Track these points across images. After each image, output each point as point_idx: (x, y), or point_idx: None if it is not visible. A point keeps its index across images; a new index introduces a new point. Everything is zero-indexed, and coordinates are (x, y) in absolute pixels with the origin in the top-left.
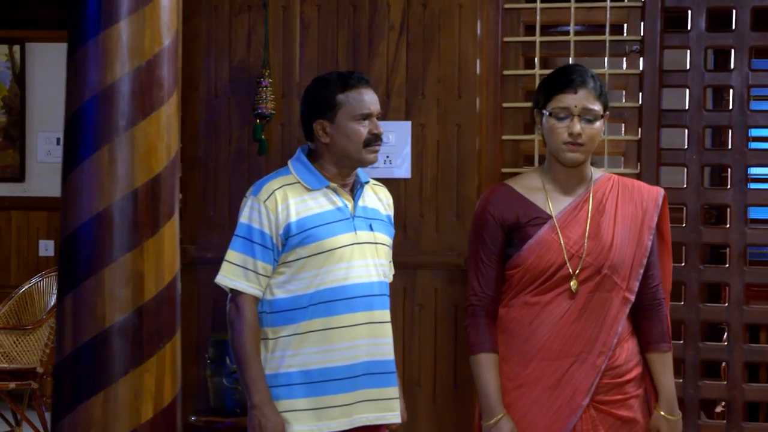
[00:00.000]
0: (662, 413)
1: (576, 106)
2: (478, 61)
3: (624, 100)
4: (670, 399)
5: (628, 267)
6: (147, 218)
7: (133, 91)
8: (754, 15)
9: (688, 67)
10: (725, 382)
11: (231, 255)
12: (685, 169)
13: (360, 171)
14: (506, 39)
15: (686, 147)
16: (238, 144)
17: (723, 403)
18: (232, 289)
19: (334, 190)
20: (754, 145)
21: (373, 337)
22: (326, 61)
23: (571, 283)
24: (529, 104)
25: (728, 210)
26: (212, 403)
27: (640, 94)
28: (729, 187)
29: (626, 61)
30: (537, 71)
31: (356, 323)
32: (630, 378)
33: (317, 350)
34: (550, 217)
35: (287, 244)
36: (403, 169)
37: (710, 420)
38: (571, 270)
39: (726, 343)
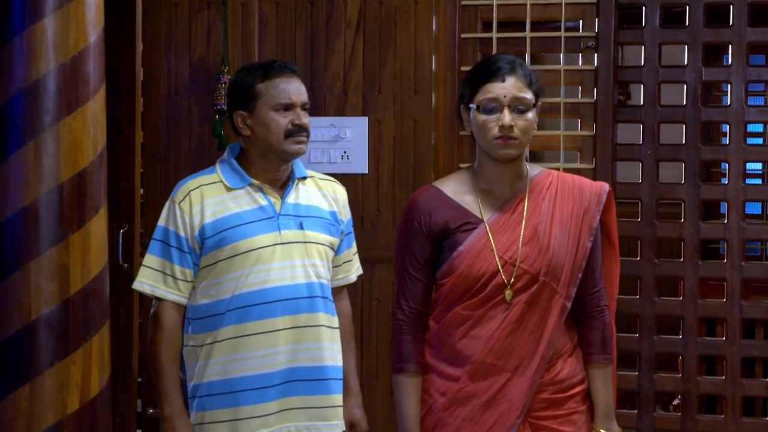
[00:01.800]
0: (601, 430)
1: (505, 96)
2: (433, 58)
3: (580, 96)
4: (608, 414)
5: (567, 273)
6: (73, 213)
7: (58, 87)
8: (706, 12)
9: (642, 62)
10: (680, 375)
11: (149, 259)
12: (640, 164)
13: (297, 165)
14: (464, 35)
15: (641, 142)
16: (198, 140)
17: (679, 396)
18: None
19: (260, 188)
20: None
21: (297, 342)
22: (284, 58)
23: (506, 293)
24: None
25: (683, 204)
26: None
27: (595, 89)
28: (683, 182)
29: (582, 57)
30: None
31: (276, 329)
32: (573, 393)
33: (234, 358)
34: (481, 221)
35: (204, 246)
36: (359, 165)
37: (666, 412)
38: (504, 278)
39: (681, 337)
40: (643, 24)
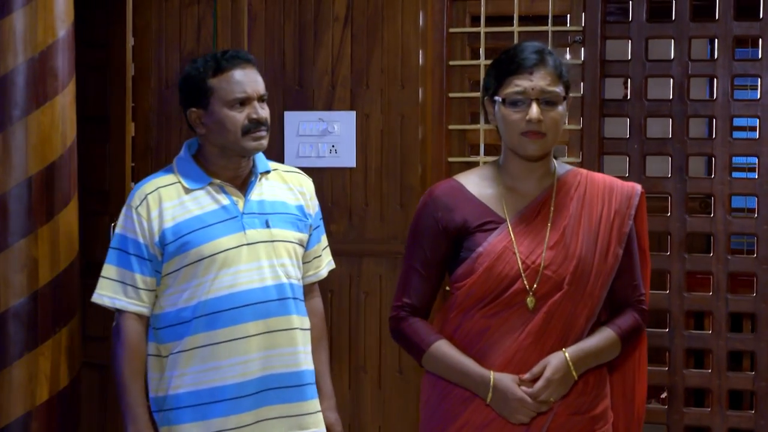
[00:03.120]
0: (567, 355)
1: (533, 89)
2: (420, 52)
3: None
4: (583, 358)
5: (595, 281)
6: (41, 206)
7: (27, 81)
8: (692, 6)
9: (629, 57)
10: (667, 368)
11: (107, 269)
12: (627, 158)
13: (259, 159)
14: (452, 30)
15: (628, 136)
16: (188, 134)
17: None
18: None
19: (221, 187)
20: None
21: (271, 348)
22: (273, 52)
23: (528, 300)
24: (475, 94)
25: (669, 198)
26: None
27: (582, 84)
28: (670, 176)
29: (570, 51)
30: (482, 62)
31: (247, 335)
32: (596, 413)
33: (204, 368)
34: (503, 220)
35: (165, 252)
36: (347, 159)
37: (652, 405)
38: (527, 284)
39: (667, 330)
40: (630, 18)
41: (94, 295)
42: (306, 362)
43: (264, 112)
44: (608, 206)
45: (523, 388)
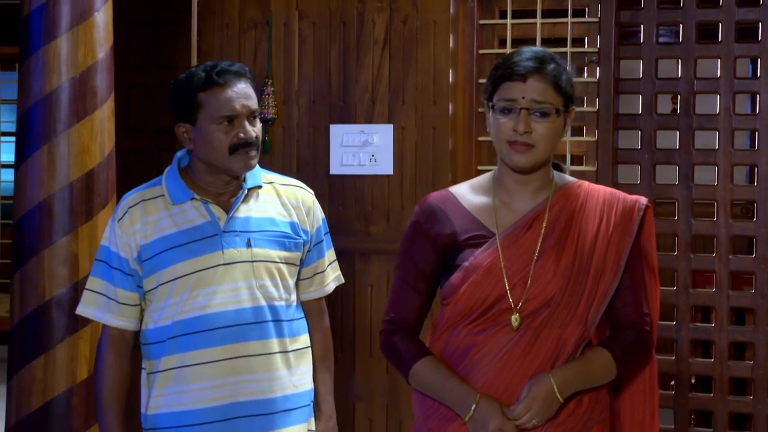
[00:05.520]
0: (552, 377)
1: (524, 98)
2: (451, 71)
3: (585, 106)
4: (570, 380)
5: (588, 299)
6: (82, 207)
7: (69, 98)
8: (698, 29)
9: (641, 75)
10: (674, 358)
11: (91, 282)
12: (639, 167)
13: (250, 173)
14: (482, 51)
15: (639, 147)
16: None
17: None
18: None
19: (203, 203)
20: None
21: (243, 374)
22: (320, 71)
23: (512, 318)
24: None
25: (677, 204)
26: None
27: (597, 100)
28: (677, 183)
29: (587, 70)
30: None
31: (216, 359)
32: None
33: (175, 390)
34: (492, 235)
35: (144, 269)
36: (385, 167)
37: (662, 391)
38: (512, 302)
39: (674, 323)
40: (642, 40)
41: (77, 307)
42: (290, 386)
43: (254, 130)
44: (607, 220)
45: (505, 409)
